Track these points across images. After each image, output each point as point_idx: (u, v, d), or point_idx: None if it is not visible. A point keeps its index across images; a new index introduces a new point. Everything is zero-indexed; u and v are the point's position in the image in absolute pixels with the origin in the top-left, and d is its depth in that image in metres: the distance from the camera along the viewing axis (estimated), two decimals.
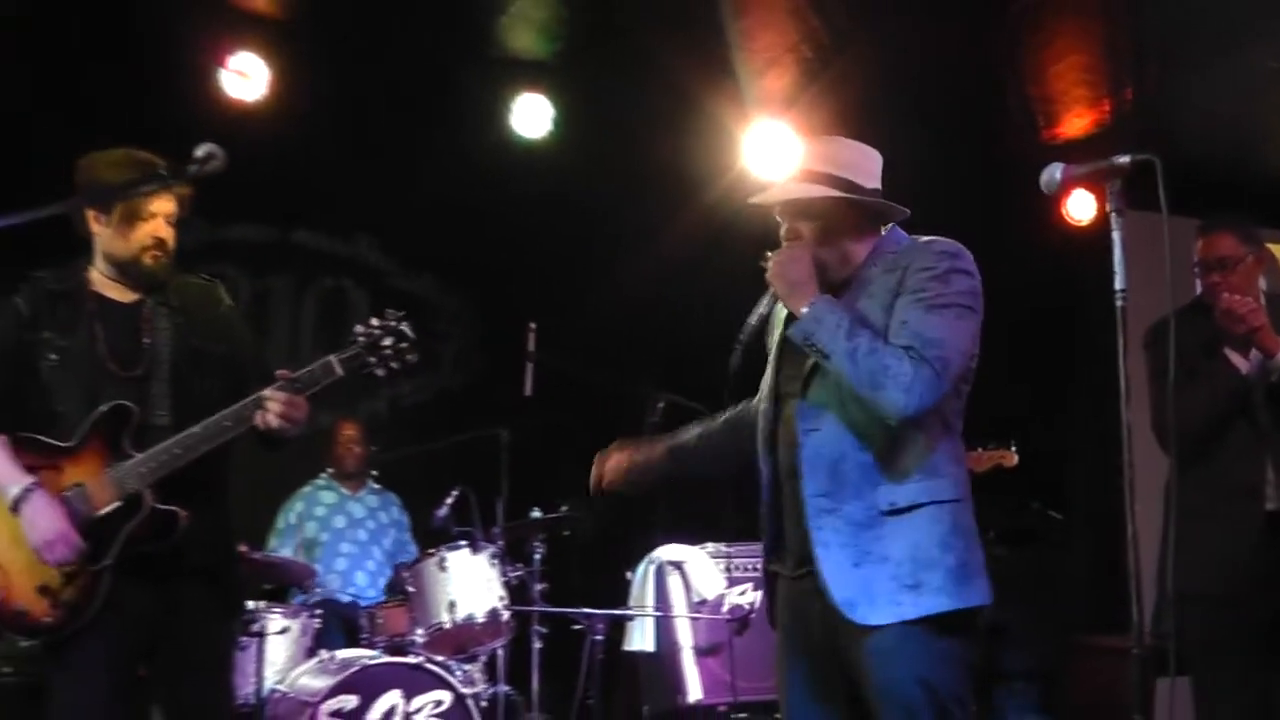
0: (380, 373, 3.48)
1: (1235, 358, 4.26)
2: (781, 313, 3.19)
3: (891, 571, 2.91)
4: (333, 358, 3.43)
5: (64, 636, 3.32)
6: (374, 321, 3.48)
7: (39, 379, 3.42)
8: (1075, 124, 7.68)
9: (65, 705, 3.37)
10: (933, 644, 2.93)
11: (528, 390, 5.83)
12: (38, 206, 2.95)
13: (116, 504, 3.32)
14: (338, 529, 5.77)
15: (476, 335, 7.31)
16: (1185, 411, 4.20)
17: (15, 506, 3.29)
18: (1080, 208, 7.75)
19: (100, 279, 3.52)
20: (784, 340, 3.14)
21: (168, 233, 3.49)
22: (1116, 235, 3.09)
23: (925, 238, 3.12)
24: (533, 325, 5.91)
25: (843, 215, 3.11)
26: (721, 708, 5.05)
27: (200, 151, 3.20)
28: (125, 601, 3.33)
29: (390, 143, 6.90)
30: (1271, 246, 8.72)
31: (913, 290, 2.99)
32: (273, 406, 3.33)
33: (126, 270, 3.49)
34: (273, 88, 6.54)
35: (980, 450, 6.29)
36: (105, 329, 3.46)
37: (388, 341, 3.46)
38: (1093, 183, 3.26)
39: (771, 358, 3.23)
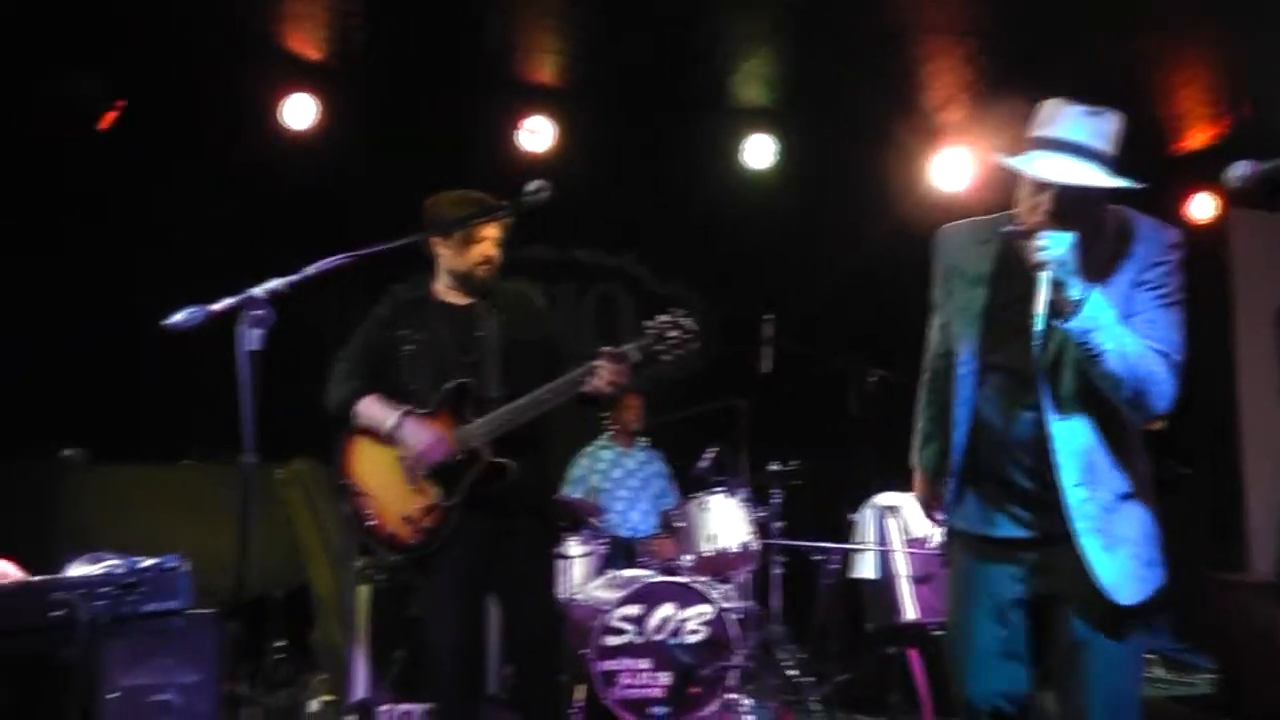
0: (668, 359, 3.45)
1: None
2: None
3: (1133, 552, 2.63)
4: (630, 346, 3.44)
5: (425, 554, 3.49)
6: (662, 317, 3.45)
7: (398, 365, 3.59)
8: (1199, 137, 7.27)
9: (427, 602, 3.61)
10: (1150, 617, 2.68)
11: (766, 368, 5.74)
12: (394, 238, 3.05)
13: (461, 456, 3.46)
14: (616, 478, 5.84)
15: (717, 326, 7.27)
16: None
17: (393, 432, 3.48)
18: (1200, 208, 7.37)
19: (443, 289, 3.67)
20: (1010, 312, 2.66)
21: (495, 252, 3.62)
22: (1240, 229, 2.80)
23: (1150, 220, 2.69)
24: (767, 316, 5.83)
25: (1106, 197, 2.63)
26: (931, 626, 4.87)
27: (531, 186, 3.26)
28: (471, 529, 3.47)
29: (646, 178, 7.01)
30: None
31: (1154, 286, 2.61)
32: (603, 373, 3.39)
33: (463, 281, 3.63)
34: (557, 141, 6.79)
35: None
36: (448, 325, 3.60)
37: (674, 334, 3.43)
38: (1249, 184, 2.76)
39: (979, 324, 2.71)
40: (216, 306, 2.59)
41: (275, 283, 2.66)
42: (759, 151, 7.10)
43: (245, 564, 2.66)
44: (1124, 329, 2.53)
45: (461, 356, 3.55)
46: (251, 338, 2.57)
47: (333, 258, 2.84)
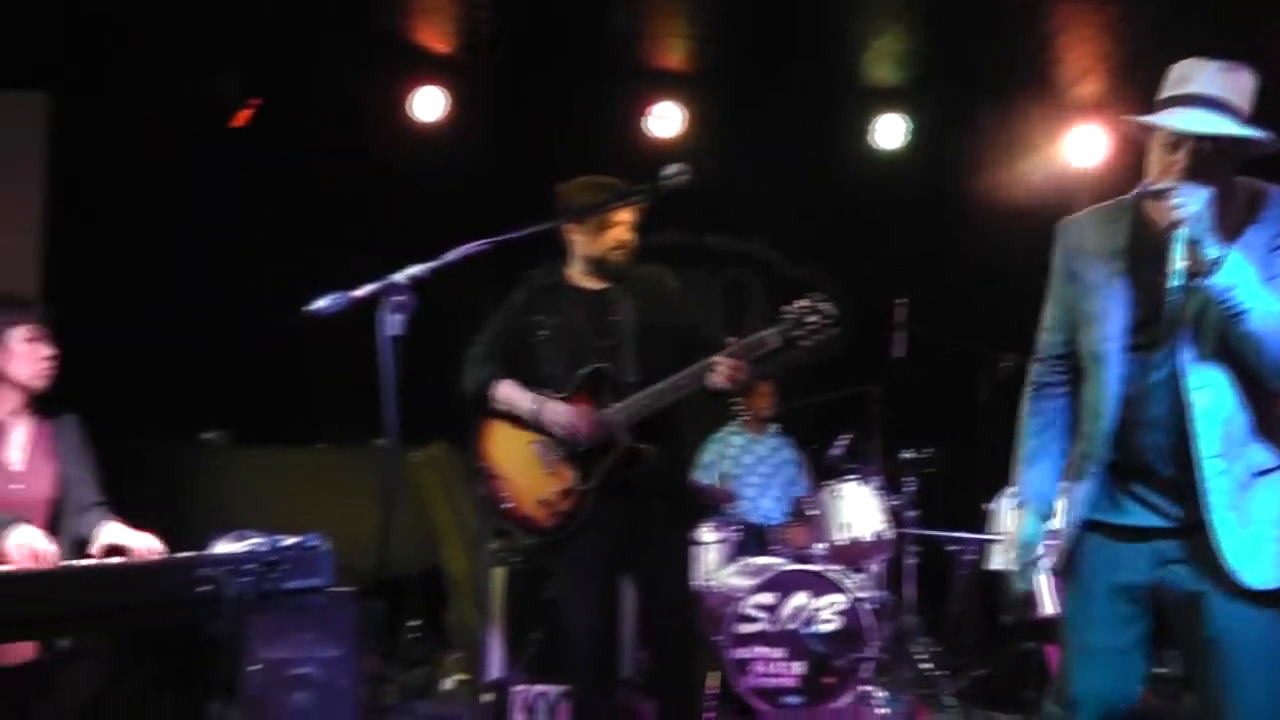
0: (807, 344, 3.36)
1: None
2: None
3: (1271, 533, 2.46)
4: (768, 331, 3.36)
5: (561, 537, 3.47)
6: (800, 301, 3.37)
7: (534, 351, 3.57)
8: None
9: (563, 586, 3.58)
10: None
11: (899, 353, 5.61)
12: (524, 226, 3.00)
13: (598, 441, 3.43)
14: (747, 464, 5.75)
15: (849, 310, 7.13)
16: None
17: (534, 414, 3.47)
18: None
19: (577, 274, 3.64)
20: (1146, 284, 2.52)
21: (629, 236, 3.58)
22: None
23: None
24: (900, 300, 5.69)
25: (1239, 153, 2.50)
26: None
27: (670, 169, 3.19)
28: (607, 514, 3.44)
29: (777, 161, 6.86)
30: None
31: None
32: (721, 369, 3.33)
33: (597, 266, 3.59)
34: (686, 127, 6.74)
35: None
36: (583, 311, 3.57)
37: (812, 319, 3.35)
38: None
39: (1119, 298, 2.56)
40: (358, 292, 2.59)
41: (416, 269, 2.65)
42: (890, 131, 6.92)
43: (387, 544, 2.65)
44: (1265, 289, 2.41)
45: (597, 341, 3.53)
46: (393, 323, 2.55)
47: (472, 244, 2.83)
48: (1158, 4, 5.82)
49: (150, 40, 5.80)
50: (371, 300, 2.61)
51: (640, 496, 3.46)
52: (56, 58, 5.83)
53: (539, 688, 4.18)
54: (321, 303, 2.60)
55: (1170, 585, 2.53)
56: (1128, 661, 2.59)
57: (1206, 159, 2.44)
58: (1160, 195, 2.46)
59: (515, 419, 3.54)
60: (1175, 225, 2.39)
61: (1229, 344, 2.44)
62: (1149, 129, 2.55)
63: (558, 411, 3.45)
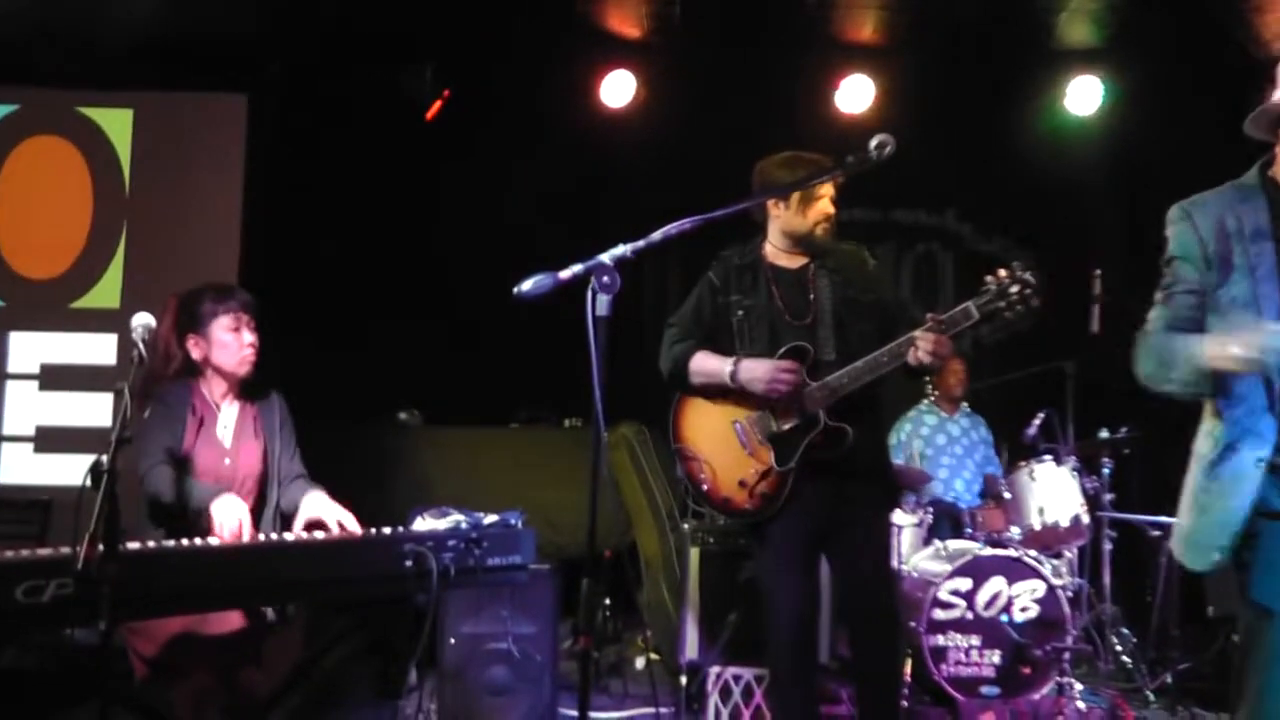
0: (1009, 315, 3.18)
1: None
2: None
3: None
4: (971, 303, 3.20)
5: (762, 519, 3.40)
6: (1001, 272, 3.19)
7: (730, 331, 3.50)
8: None
9: (764, 568, 3.51)
10: None
11: (1095, 328, 5.30)
12: (718, 205, 2.91)
13: (797, 421, 3.34)
14: (940, 445, 5.55)
15: (1042, 284, 6.81)
16: None
17: (733, 375, 3.40)
18: None
19: (773, 251, 3.55)
20: None
21: (833, 210, 3.49)
22: None
23: None
24: (1096, 272, 5.39)
25: None
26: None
27: (875, 140, 3.04)
28: (807, 495, 3.36)
29: (967, 133, 6.59)
30: None
31: None
32: (923, 345, 3.19)
33: (801, 242, 3.50)
34: (877, 100, 6.55)
35: None
36: (780, 289, 3.48)
37: (1015, 289, 3.17)
38: None
39: (1270, 283, 2.53)
40: (564, 274, 2.57)
41: (621, 249, 2.61)
42: (1084, 95, 6.55)
43: (595, 523, 2.65)
44: None
45: (794, 320, 3.45)
46: (600, 304, 2.51)
47: (677, 223, 2.77)
48: None
49: (343, 37, 5.92)
50: (575, 283, 2.57)
51: (840, 478, 3.36)
52: (255, 59, 6.01)
53: (734, 669, 4.12)
54: (528, 285, 2.58)
55: None
56: None
57: None
58: None
59: (713, 393, 3.48)
60: None
61: None
62: None
63: (755, 368, 3.36)
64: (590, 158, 6.53)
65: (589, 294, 2.52)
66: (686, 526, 4.67)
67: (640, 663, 5.07)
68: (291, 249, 6.06)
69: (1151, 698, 4.84)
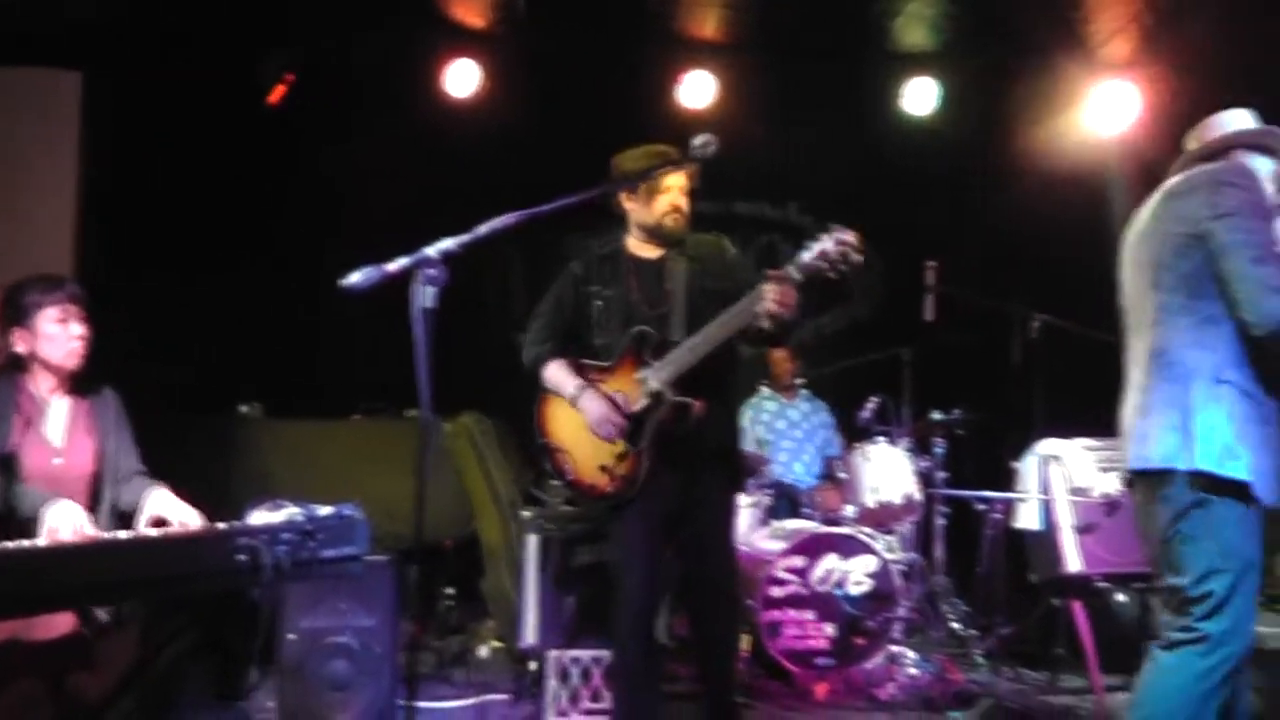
0: (831, 275, 3.27)
1: None
2: None
3: None
4: (790, 266, 3.29)
5: (625, 500, 3.46)
6: (822, 234, 3.30)
7: (590, 321, 3.57)
8: None
9: (622, 545, 3.54)
10: None
11: (929, 316, 5.50)
12: (558, 197, 2.91)
13: (645, 402, 3.42)
14: (780, 430, 5.66)
15: (879, 275, 7.02)
16: None
17: (574, 402, 3.49)
18: None
19: (633, 242, 3.63)
20: None
21: (683, 201, 3.55)
22: None
23: None
24: (930, 263, 5.58)
25: None
26: (1095, 578, 4.61)
27: (698, 140, 3.14)
28: (662, 476, 3.43)
29: (808, 129, 6.72)
30: None
31: None
32: (768, 294, 3.25)
33: (653, 233, 3.57)
34: (718, 96, 6.63)
35: None
36: (637, 279, 3.56)
37: (834, 249, 3.27)
38: None
39: None
40: (391, 267, 2.55)
41: (448, 243, 2.61)
42: (920, 96, 6.76)
43: (422, 512, 2.62)
44: None
45: (648, 309, 3.52)
46: (426, 296, 2.52)
47: (503, 217, 2.79)
48: None
49: (185, 16, 5.74)
50: (405, 275, 2.57)
51: (692, 457, 3.44)
52: (92, 36, 5.77)
53: (573, 653, 4.14)
54: (355, 277, 2.55)
55: None
56: None
57: None
58: None
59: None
60: None
61: None
62: None
63: (591, 407, 3.46)
64: (434, 148, 6.43)
65: (415, 287, 2.52)
66: (526, 514, 4.67)
67: (484, 651, 5.06)
68: (129, 236, 5.81)
69: (980, 660, 5.03)
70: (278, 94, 6.26)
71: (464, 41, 6.41)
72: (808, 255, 3.28)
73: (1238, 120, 3.01)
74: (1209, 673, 2.67)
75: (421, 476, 2.63)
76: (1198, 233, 2.77)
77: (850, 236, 3.27)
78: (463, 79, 6.44)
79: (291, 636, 3.90)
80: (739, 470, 3.77)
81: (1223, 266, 2.72)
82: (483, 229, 2.73)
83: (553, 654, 4.15)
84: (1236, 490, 2.68)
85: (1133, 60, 6.48)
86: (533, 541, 4.53)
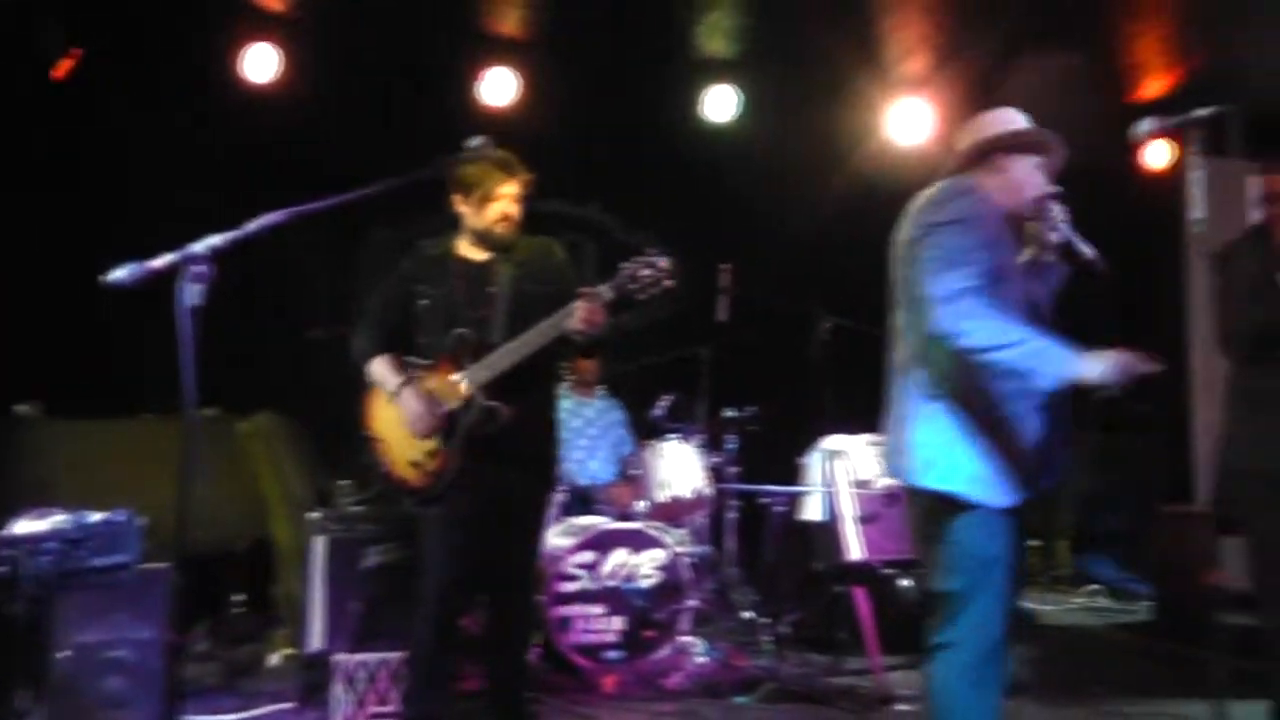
0: (642, 297, 3.43)
1: None
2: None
3: None
4: (603, 287, 3.41)
5: (431, 497, 3.52)
6: (637, 257, 3.45)
7: (415, 319, 3.62)
8: (1154, 85, 7.22)
9: (431, 541, 3.55)
10: None
11: (721, 317, 5.68)
12: (357, 189, 2.98)
13: (456, 403, 3.49)
14: (575, 427, 5.71)
15: (680, 276, 7.14)
16: (1247, 322, 3.88)
17: (394, 397, 3.55)
18: (1156, 156, 7.40)
19: (464, 244, 3.67)
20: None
21: (514, 209, 3.63)
22: (1195, 175, 2.91)
23: None
24: (725, 266, 5.76)
25: None
26: (875, 564, 4.85)
27: (472, 141, 3.29)
28: (473, 474, 3.49)
29: (611, 129, 6.80)
30: None
31: None
32: (578, 313, 3.37)
33: (484, 238, 3.63)
34: (521, 94, 6.65)
35: None
36: (463, 281, 3.60)
37: (647, 272, 3.43)
38: (1173, 133, 2.98)
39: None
40: (156, 263, 2.52)
41: (216, 239, 2.59)
42: (720, 103, 6.95)
43: (188, 516, 2.58)
44: None
45: (471, 311, 3.56)
46: (192, 294, 2.49)
47: (274, 214, 2.77)
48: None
49: None
50: (168, 272, 2.53)
51: (504, 458, 3.50)
52: None
53: (359, 657, 4.10)
54: (120, 273, 2.52)
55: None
56: None
57: None
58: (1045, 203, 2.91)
59: None
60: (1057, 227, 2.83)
61: None
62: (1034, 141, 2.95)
63: (409, 403, 3.51)
64: (230, 135, 6.20)
65: (181, 284, 2.50)
66: (313, 516, 4.61)
67: (275, 659, 4.96)
68: None
69: (767, 647, 5.20)
70: (65, 68, 5.93)
71: (264, 25, 6.24)
72: (622, 276, 3.41)
73: (1000, 121, 3.03)
74: (966, 669, 2.76)
75: (186, 479, 2.62)
76: (913, 249, 2.85)
77: (665, 263, 3.42)
78: (261, 64, 6.25)
79: (63, 654, 3.64)
80: (552, 474, 3.82)
81: (917, 281, 2.81)
82: (253, 225, 2.72)
83: (339, 658, 4.11)
84: (952, 499, 2.79)
85: (926, 78, 6.82)
86: (320, 543, 4.47)
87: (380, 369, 3.62)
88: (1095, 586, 7.25)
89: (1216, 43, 6.67)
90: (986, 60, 6.50)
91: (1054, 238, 2.83)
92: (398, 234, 5.05)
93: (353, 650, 4.12)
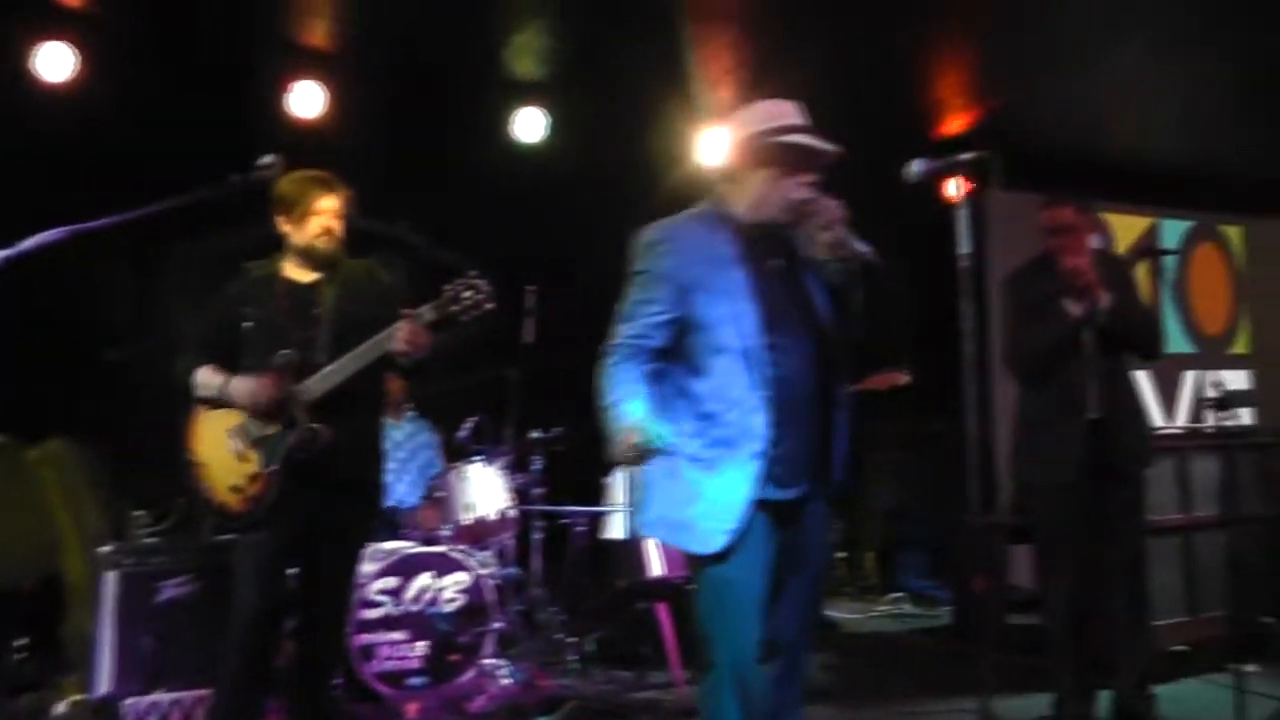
0: (463, 319, 3.50)
1: (1070, 305, 4.24)
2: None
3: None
4: (425, 308, 3.46)
5: (250, 522, 3.47)
6: (459, 280, 3.50)
7: (240, 340, 3.56)
8: (955, 123, 7.70)
9: (244, 570, 3.50)
10: None
11: (529, 338, 5.77)
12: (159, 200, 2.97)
13: (282, 424, 3.47)
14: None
15: (493, 293, 7.16)
16: (1031, 345, 4.24)
17: (222, 391, 3.51)
18: (955, 189, 7.67)
19: (289, 265, 3.65)
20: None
21: (335, 224, 3.64)
22: (962, 212, 3.10)
23: None
24: (531, 287, 5.85)
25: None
26: (676, 579, 5.03)
27: (263, 160, 3.26)
28: (293, 499, 3.46)
29: (421, 146, 6.76)
30: (1109, 216, 8.87)
31: None
32: (400, 334, 3.41)
33: (307, 255, 3.62)
34: (329, 107, 6.55)
35: (880, 373, 6.33)
36: (289, 302, 3.58)
37: (468, 294, 3.49)
38: (946, 174, 3.16)
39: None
40: None
41: None
42: (530, 125, 7.02)
43: None
44: None
45: (296, 332, 3.54)
46: None
47: (54, 231, 2.72)
48: (775, 31, 6.24)
49: None
50: None
51: (326, 484, 3.49)
52: None
53: (150, 698, 4.02)
54: None
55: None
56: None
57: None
58: (803, 204, 2.82)
59: (216, 404, 3.56)
60: (830, 227, 2.74)
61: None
62: (774, 151, 2.89)
63: (241, 384, 3.48)
64: (23, 137, 5.85)
65: None
66: (105, 549, 4.47)
67: (62, 707, 4.72)
68: None
69: (573, 665, 5.34)
70: None
71: (59, 22, 5.93)
72: (445, 298, 3.46)
73: (755, 120, 3.02)
74: (716, 686, 2.80)
75: None
76: None
77: (486, 287, 3.50)
78: (56, 63, 5.92)
79: None
80: (376, 500, 3.83)
81: None
82: (29, 243, 2.67)
83: (130, 702, 4.00)
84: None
85: (733, 107, 7.02)
86: (112, 578, 4.35)
87: (206, 374, 3.58)
88: (899, 594, 7.62)
89: (1011, 86, 7.13)
90: (789, 94, 6.76)
91: (825, 237, 2.79)
92: (202, 248, 4.96)
93: (144, 691, 4.02)
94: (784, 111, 2.96)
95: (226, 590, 3.52)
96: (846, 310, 2.82)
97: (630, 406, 2.81)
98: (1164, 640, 5.14)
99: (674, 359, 2.91)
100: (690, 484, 2.80)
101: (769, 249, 2.90)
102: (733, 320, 2.81)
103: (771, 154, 2.90)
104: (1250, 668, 4.90)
